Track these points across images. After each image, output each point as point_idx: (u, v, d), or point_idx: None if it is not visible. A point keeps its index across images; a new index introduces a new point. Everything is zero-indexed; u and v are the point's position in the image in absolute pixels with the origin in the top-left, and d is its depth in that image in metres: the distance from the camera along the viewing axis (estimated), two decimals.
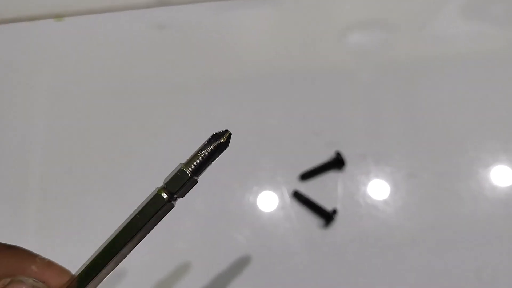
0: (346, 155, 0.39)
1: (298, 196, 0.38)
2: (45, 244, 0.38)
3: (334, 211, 0.37)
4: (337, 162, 0.38)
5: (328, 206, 0.38)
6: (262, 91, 0.43)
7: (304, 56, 0.45)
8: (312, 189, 0.39)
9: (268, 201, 0.39)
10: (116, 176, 0.40)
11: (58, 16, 0.45)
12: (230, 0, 0.47)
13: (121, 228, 0.18)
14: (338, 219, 0.38)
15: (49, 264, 0.20)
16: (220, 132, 0.18)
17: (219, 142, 0.18)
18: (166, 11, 0.46)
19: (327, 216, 0.37)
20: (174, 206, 0.18)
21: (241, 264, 0.37)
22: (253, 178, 0.39)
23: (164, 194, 0.18)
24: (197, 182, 0.18)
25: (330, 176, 0.39)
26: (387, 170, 0.39)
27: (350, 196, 0.38)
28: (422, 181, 0.39)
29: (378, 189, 0.39)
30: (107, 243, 0.19)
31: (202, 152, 0.18)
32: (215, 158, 0.18)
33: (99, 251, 0.19)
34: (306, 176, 0.38)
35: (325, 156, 0.40)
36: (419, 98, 0.42)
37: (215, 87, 0.44)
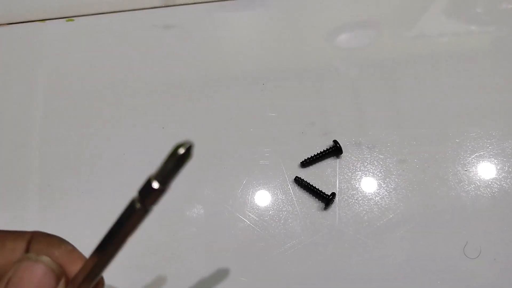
0: (342, 144, 0.42)
1: (298, 182, 0.41)
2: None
3: (333, 195, 0.40)
4: (335, 150, 0.41)
5: (327, 191, 0.41)
6: (260, 87, 0.46)
7: (296, 54, 0.48)
8: (312, 175, 0.42)
9: (271, 187, 0.42)
10: (118, 173, 0.43)
11: (69, 17, 0.48)
12: (232, 0, 0.50)
13: (105, 234, 0.21)
14: (337, 202, 0.41)
15: (72, 250, 0.23)
16: (180, 143, 0.18)
17: (180, 154, 0.18)
18: (171, 11, 0.48)
19: (326, 200, 0.40)
20: (148, 213, 0.20)
21: (245, 245, 0.40)
22: (256, 166, 0.42)
23: (138, 203, 0.19)
24: (165, 190, 0.19)
25: (328, 162, 0.42)
26: (380, 157, 0.43)
27: (347, 180, 0.42)
28: (412, 166, 0.42)
29: (372, 174, 0.42)
30: (96, 245, 0.21)
31: (167, 164, 0.18)
32: (180, 168, 0.19)
33: (87, 259, 0.21)
34: (306, 163, 0.42)
35: (322, 145, 0.43)
36: (406, 92, 0.46)
37: (217, 84, 0.46)
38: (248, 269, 0.39)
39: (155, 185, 0.19)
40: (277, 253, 0.39)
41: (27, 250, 0.22)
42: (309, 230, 0.40)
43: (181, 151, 0.18)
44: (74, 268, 0.22)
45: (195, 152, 0.43)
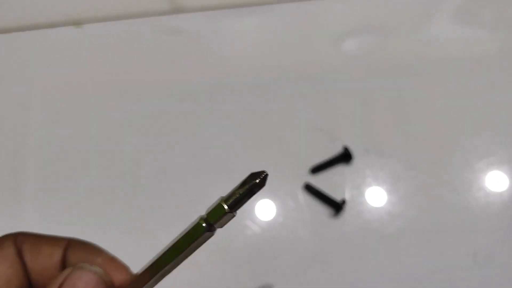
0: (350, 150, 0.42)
1: (309, 188, 0.41)
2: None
3: (343, 201, 0.40)
4: (345, 156, 0.41)
5: (337, 197, 0.41)
6: (269, 93, 0.46)
7: (303, 61, 0.48)
8: (321, 182, 0.42)
9: (281, 193, 0.42)
10: (128, 181, 0.43)
11: (77, 23, 0.48)
12: (239, 8, 0.50)
13: (166, 249, 0.21)
14: (347, 209, 0.41)
15: (112, 259, 0.22)
16: (257, 172, 0.19)
17: (254, 183, 0.19)
18: (179, 18, 0.49)
19: (337, 206, 0.40)
20: (213, 235, 0.20)
21: (254, 251, 0.40)
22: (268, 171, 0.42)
23: (204, 223, 0.20)
24: (234, 216, 0.20)
25: (338, 169, 0.42)
26: (389, 163, 0.43)
27: (356, 187, 0.42)
28: (421, 173, 0.42)
29: (381, 180, 0.42)
30: (153, 260, 0.21)
31: (239, 190, 0.19)
32: (251, 196, 0.19)
33: (146, 266, 0.21)
34: (316, 169, 0.42)
35: (331, 151, 0.43)
36: (414, 97, 0.46)
37: (224, 89, 0.46)
38: (257, 276, 0.39)
39: (227, 210, 0.19)
40: (286, 260, 0.39)
41: (64, 257, 0.22)
42: (319, 237, 0.40)
43: (257, 180, 0.19)
44: (117, 277, 0.22)
45: (205, 158, 0.44)
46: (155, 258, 0.21)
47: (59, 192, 0.43)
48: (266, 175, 0.19)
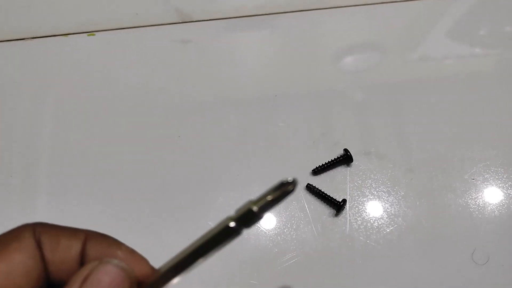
0: (352, 153, 0.43)
1: (310, 188, 0.42)
2: None
3: (344, 201, 0.41)
4: (346, 158, 0.43)
5: (338, 198, 0.42)
6: (272, 101, 0.48)
7: (304, 75, 0.50)
8: (323, 183, 0.43)
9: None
10: (135, 191, 0.44)
11: (90, 32, 0.50)
12: (243, 17, 0.52)
13: (194, 247, 0.22)
14: (347, 209, 0.42)
15: (132, 252, 0.22)
16: (288, 180, 0.20)
17: (286, 190, 0.20)
18: (188, 27, 0.51)
19: (338, 206, 0.41)
20: (240, 235, 0.21)
21: (258, 251, 0.41)
22: (269, 174, 0.44)
23: (233, 223, 0.21)
24: (262, 218, 0.21)
25: (339, 170, 0.44)
26: (389, 166, 0.44)
27: (357, 188, 0.43)
28: (420, 175, 0.44)
29: (381, 182, 0.43)
30: (179, 258, 0.22)
31: (270, 195, 0.20)
32: (280, 202, 0.20)
33: (173, 262, 0.22)
34: (318, 171, 0.43)
35: (332, 154, 0.44)
36: (411, 111, 0.47)
37: (230, 98, 0.48)
38: (260, 274, 0.40)
39: (255, 210, 0.20)
40: (289, 258, 0.40)
41: (83, 250, 0.21)
42: (321, 236, 0.41)
43: (290, 187, 0.20)
44: (138, 270, 0.22)
45: (213, 162, 0.45)
46: (181, 256, 0.22)
47: (70, 194, 0.44)
48: (297, 183, 0.20)
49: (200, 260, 0.22)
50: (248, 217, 0.20)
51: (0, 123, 0.46)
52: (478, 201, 0.42)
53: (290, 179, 0.20)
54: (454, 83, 0.49)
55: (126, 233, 0.42)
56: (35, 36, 0.51)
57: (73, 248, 0.21)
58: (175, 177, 0.44)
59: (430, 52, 0.51)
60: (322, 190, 0.42)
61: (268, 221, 0.42)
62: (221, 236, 0.21)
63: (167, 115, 0.47)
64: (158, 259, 0.23)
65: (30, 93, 0.48)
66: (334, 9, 0.53)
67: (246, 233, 0.41)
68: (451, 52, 0.51)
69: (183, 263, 0.22)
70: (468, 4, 0.55)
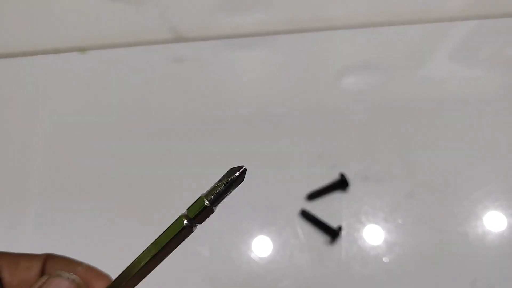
0: (349, 177, 0.42)
1: (305, 215, 0.41)
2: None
3: (340, 228, 0.40)
4: (342, 183, 0.42)
5: (333, 224, 0.41)
6: (268, 122, 0.47)
7: (304, 94, 0.49)
8: (318, 208, 0.42)
9: (277, 219, 0.42)
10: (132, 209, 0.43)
11: (82, 49, 0.49)
12: (240, 38, 0.51)
13: (147, 247, 0.21)
14: (343, 236, 0.41)
15: (91, 268, 0.23)
16: (236, 167, 0.20)
17: (234, 177, 0.20)
18: (183, 46, 0.50)
19: (333, 233, 0.40)
20: (193, 231, 0.21)
21: (251, 279, 0.40)
22: (262, 198, 0.42)
23: (185, 220, 0.20)
24: (214, 211, 0.20)
25: (335, 196, 0.42)
26: (387, 191, 0.43)
27: (354, 214, 0.42)
28: (419, 201, 0.42)
29: (379, 208, 0.42)
30: (134, 259, 0.21)
31: (219, 184, 0.20)
32: (231, 191, 0.20)
33: (127, 266, 0.21)
34: (313, 196, 0.42)
35: (329, 178, 0.43)
36: (413, 133, 0.46)
37: (225, 118, 0.47)
38: None
39: (207, 204, 0.20)
40: (283, 287, 0.39)
41: (42, 270, 0.22)
42: (316, 264, 0.40)
43: (237, 174, 0.19)
44: (98, 285, 0.22)
45: (204, 182, 0.43)
46: (137, 257, 0.21)
47: (61, 210, 0.43)
48: (245, 169, 0.20)
49: (155, 260, 0.21)
50: (199, 209, 0.20)
51: None
52: (479, 229, 0.41)
53: (238, 166, 0.20)
54: (456, 104, 0.48)
55: (117, 250, 0.40)
56: (24, 54, 0.50)
57: (33, 269, 0.22)
58: (167, 196, 0.43)
59: (432, 74, 0.50)
60: (317, 216, 0.41)
61: (261, 248, 0.40)
62: (173, 232, 0.20)
63: (160, 134, 0.46)
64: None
65: (19, 111, 0.47)
66: (334, 31, 0.52)
67: (238, 260, 0.40)
68: (453, 74, 0.50)
69: (137, 264, 0.21)
70: (469, 26, 0.54)
